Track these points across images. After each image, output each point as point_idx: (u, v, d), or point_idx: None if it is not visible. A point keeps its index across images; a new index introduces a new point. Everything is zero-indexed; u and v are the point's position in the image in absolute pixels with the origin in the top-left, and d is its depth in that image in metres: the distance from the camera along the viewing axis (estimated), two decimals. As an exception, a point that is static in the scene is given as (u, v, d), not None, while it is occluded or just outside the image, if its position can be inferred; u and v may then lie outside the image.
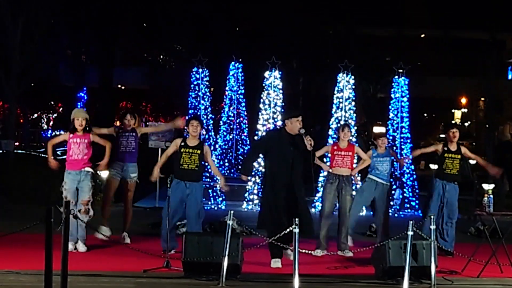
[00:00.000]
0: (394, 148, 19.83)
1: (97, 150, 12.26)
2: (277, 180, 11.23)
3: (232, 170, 21.84)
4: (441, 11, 47.11)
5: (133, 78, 45.68)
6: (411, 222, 9.67)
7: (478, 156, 13.38)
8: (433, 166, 13.44)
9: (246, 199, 19.38)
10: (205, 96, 20.18)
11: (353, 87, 19.86)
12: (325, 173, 13.53)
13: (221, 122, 22.25)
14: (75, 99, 43.33)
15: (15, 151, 27.03)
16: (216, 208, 19.53)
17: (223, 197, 19.88)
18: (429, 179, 13.31)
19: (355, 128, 19.92)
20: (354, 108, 19.83)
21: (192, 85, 20.24)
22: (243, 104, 22.06)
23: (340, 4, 40.97)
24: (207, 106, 20.23)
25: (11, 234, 9.76)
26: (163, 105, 45.72)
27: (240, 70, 21.94)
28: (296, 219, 9.44)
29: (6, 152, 25.20)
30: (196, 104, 20.08)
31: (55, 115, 53.53)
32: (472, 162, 14.22)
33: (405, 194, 19.89)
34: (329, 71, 30.37)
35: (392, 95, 20.41)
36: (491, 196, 11.65)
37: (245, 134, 22.05)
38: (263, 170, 12.59)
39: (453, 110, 50.72)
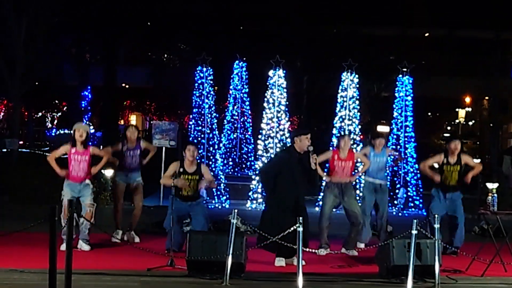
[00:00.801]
0: (398, 147, 19.83)
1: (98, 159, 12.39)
2: (284, 198, 11.28)
3: (236, 169, 21.85)
4: (445, 11, 47.00)
5: (137, 77, 45.65)
6: (415, 221, 9.67)
7: (477, 167, 13.06)
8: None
9: (250, 198, 19.39)
10: (209, 95, 20.18)
11: (357, 86, 19.87)
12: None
13: (225, 121, 22.26)
14: (79, 98, 43.45)
15: (19, 150, 27.05)
16: (220, 207, 19.54)
17: (227, 196, 19.90)
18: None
19: (359, 127, 19.93)
20: (358, 107, 19.84)
21: (196, 84, 20.24)
22: (247, 103, 22.07)
23: (344, 4, 40.96)
24: (211, 105, 20.23)
25: (15, 233, 9.79)
26: (167, 104, 45.73)
27: (244, 69, 21.95)
28: (300, 218, 9.45)
29: (10, 151, 25.22)
30: (200, 103, 20.08)
31: (59, 114, 53.54)
32: (476, 161, 14.13)
33: (409, 193, 19.88)
34: (333, 70, 30.34)
35: (396, 94, 20.41)
36: (495, 195, 11.64)
37: (249, 133, 22.06)
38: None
39: (457, 109, 50.56)
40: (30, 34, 25.32)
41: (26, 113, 48.59)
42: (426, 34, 49.36)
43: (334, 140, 19.13)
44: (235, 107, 21.96)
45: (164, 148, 19.54)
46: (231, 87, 22.13)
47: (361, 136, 20.44)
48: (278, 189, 11.44)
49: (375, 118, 40.92)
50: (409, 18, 46.97)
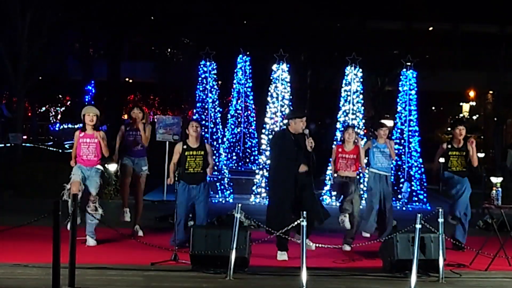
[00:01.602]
0: (402, 141, 19.79)
1: None
2: (284, 179, 11.40)
3: (240, 163, 21.85)
4: (450, 5, 46.91)
5: (141, 72, 45.69)
6: (419, 215, 9.65)
7: (476, 157, 12.98)
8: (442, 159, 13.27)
9: (253, 193, 19.38)
10: (212, 89, 20.16)
11: (361, 80, 19.83)
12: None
13: (228, 115, 22.26)
14: (83, 92, 43.49)
15: (23, 144, 27.08)
16: (223, 201, 19.54)
17: (231, 190, 19.90)
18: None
19: (363, 121, 19.90)
20: (362, 101, 19.81)
21: (200, 79, 20.23)
22: (251, 97, 22.06)
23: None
24: (215, 99, 20.22)
25: (19, 227, 9.79)
26: (171, 99, 45.75)
27: (248, 63, 21.93)
28: (304, 212, 9.45)
29: (14, 145, 25.25)
30: (204, 97, 20.07)
31: (63, 108, 53.62)
32: (480, 155, 14.09)
33: (413, 188, 19.86)
34: (337, 65, 30.31)
35: (400, 88, 20.38)
36: (500, 189, 11.62)
37: (253, 127, 22.06)
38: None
39: (461, 104, 50.51)
40: (34, 30, 25.33)
41: (29, 108, 48.61)
42: (431, 28, 49.19)
43: (338, 134, 19.13)
44: (239, 101, 21.96)
45: (167, 143, 19.53)
46: (234, 81, 22.13)
47: (365, 130, 20.42)
48: (275, 168, 11.60)
49: (379, 112, 40.90)
50: (414, 12, 46.86)
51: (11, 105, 42.60)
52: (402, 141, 19.88)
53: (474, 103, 50.36)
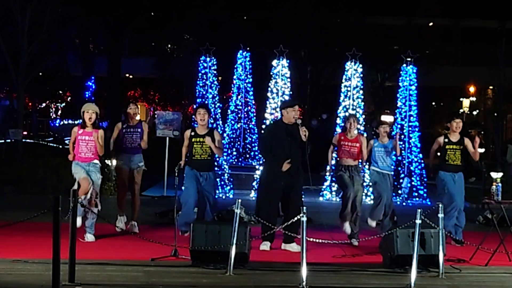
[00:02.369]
0: (402, 136, 19.78)
1: None
2: (277, 169, 11.49)
3: (240, 159, 21.83)
4: (450, 0, 46.93)
5: (141, 67, 45.71)
6: (419, 210, 9.65)
7: (476, 152, 12.96)
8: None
9: (253, 188, 19.37)
10: (212, 85, 20.16)
11: (361, 75, 19.81)
12: (333, 162, 13.46)
13: (229, 111, 22.21)
14: (83, 88, 43.48)
15: (23, 140, 27.08)
16: (224, 197, 19.53)
17: (231, 186, 19.90)
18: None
19: (363, 116, 19.88)
20: (362, 97, 19.79)
21: (200, 74, 20.22)
22: (251, 93, 22.02)
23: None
24: (215, 95, 20.21)
25: (19, 223, 9.78)
26: (171, 94, 45.73)
27: (248, 58, 21.89)
28: (304, 208, 9.45)
29: (14, 141, 25.24)
30: (204, 93, 20.06)
31: (63, 104, 53.61)
32: (480, 150, 14.07)
33: (413, 183, 19.86)
34: (337, 60, 30.29)
35: (400, 84, 20.36)
36: (500, 184, 11.62)
37: (253, 123, 22.02)
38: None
39: (461, 99, 50.49)
40: (34, 25, 25.30)
41: (30, 104, 48.60)
42: (431, 24, 49.25)
43: (338, 130, 19.12)
44: (239, 97, 21.91)
45: (168, 138, 19.54)
46: (234, 77, 22.08)
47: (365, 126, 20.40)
48: (264, 167, 11.85)
49: (379, 107, 40.90)
50: (414, 8, 46.89)
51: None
52: (402, 136, 19.87)
53: (474, 99, 50.34)
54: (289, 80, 19.68)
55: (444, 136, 12.85)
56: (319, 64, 40.62)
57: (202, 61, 20.22)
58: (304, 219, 9.36)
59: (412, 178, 19.89)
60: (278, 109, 19.04)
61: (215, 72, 20.28)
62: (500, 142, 40.75)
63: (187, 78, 34.78)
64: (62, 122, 49.47)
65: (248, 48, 22.01)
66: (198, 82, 20.22)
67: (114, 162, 13.27)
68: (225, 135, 21.36)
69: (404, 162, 19.89)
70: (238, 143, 21.91)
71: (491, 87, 49.27)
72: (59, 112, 53.76)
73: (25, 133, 33.60)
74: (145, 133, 13.06)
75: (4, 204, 15.94)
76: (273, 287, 9.28)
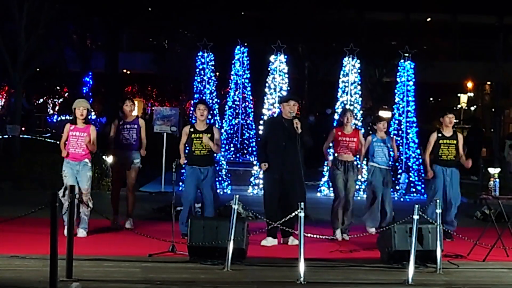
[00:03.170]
0: (400, 132, 19.78)
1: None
2: (272, 164, 11.63)
3: (238, 155, 21.84)
4: (448, -5, 46.88)
5: (139, 63, 45.67)
6: (416, 206, 9.65)
7: (464, 152, 12.99)
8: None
9: (251, 184, 19.38)
10: (210, 81, 20.13)
11: (359, 71, 19.80)
12: (331, 158, 13.47)
13: (226, 106, 22.21)
14: (81, 84, 43.40)
15: (21, 136, 27.01)
16: (221, 192, 19.51)
17: (229, 181, 19.90)
18: None
19: (361, 112, 19.87)
20: (360, 92, 19.78)
21: (197, 70, 20.19)
22: (249, 88, 22.01)
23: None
24: (213, 91, 20.19)
25: (17, 219, 9.79)
26: (169, 90, 45.67)
27: (245, 54, 21.87)
28: (301, 203, 9.45)
29: (12, 137, 25.18)
30: (202, 88, 20.03)
31: (61, 100, 53.49)
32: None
33: (410, 178, 19.86)
34: (335, 55, 30.25)
35: (398, 79, 20.35)
36: (497, 180, 11.62)
37: (251, 118, 22.02)
38: None
39: (459, 95, 50.50)
40: (32, 20, 25.23)
41: (27, 99, 48.50)
42: (428, 19, 49.16)
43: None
44: (237, 92, 21.90)
45: (165, 134, 19.53)
46: (232, 72, 22.06)
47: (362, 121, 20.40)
48: (267, 154, 11.78)
49: (377, 103, 40.87)
50: (412, 3, 46.82)
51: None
52: (400, 132, 19.87)
53: (472, 94, 50.38)
54: (286, 75, 19.66)
55: (437, 131, 12.88)
56: (317, 60, 40.58)
57: (199, 57, 20.17)
58: (302, 214, 9.36)
59: (410, 174, 19.90)
60: (276, 105, 19.08)
61: (212, 67, 20.24)
62: (497, 137, 40.75)
63: (185, 73, 34.71)
64: (59, 118, 49.29)
65: (245, 44, 22.00)
66: (195, 77, 20.18)
67: (111, 158, 13.25)
68: (222, 130, 21.34)
69: (401, 157, 19.88)
70: (236, 139, 21.91)
71: (489, 83, 49.29)
72: (57, 107, 53.60)
73: (22, 129, 33.53)
74: (143, 129, 13.06)
75: (1, 200, 15.95)
76: (271, 282, 9.29)
